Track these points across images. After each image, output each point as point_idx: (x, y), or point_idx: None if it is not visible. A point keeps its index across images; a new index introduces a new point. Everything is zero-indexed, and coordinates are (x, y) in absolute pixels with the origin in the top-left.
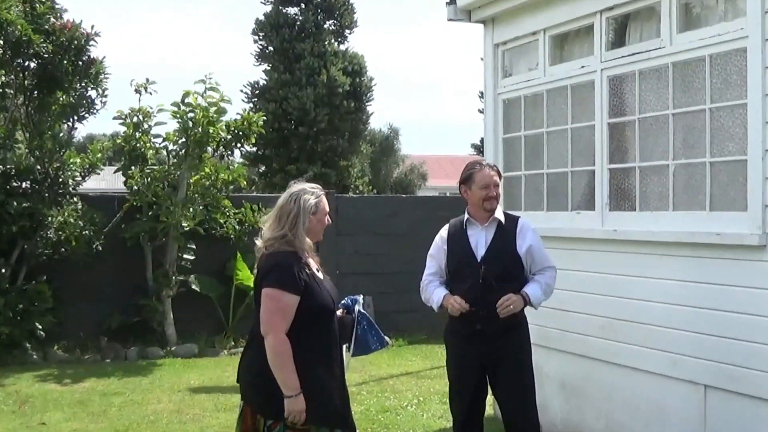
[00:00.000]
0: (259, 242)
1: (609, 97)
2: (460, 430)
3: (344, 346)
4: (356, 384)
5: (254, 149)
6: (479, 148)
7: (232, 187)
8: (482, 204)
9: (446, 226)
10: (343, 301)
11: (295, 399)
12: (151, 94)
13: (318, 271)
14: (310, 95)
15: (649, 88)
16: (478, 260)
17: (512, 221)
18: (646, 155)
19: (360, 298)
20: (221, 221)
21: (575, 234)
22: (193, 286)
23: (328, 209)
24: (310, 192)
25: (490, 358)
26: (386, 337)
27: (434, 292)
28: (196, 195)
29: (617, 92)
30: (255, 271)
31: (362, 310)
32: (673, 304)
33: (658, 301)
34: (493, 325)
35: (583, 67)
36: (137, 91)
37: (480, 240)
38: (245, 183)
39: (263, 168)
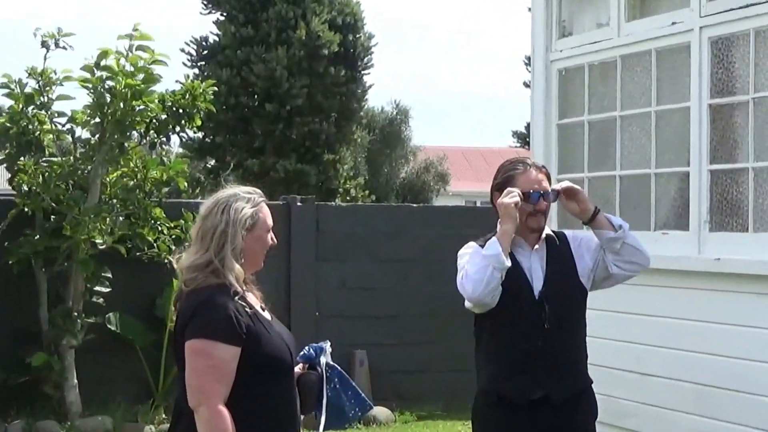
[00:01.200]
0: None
1: (711, 68)
2: None
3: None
4: None
5: (200, 135)
6: (524, 138)
7: (167, 189)
8: (525, 220)
9: (472, 245)
10: (303, 352)
11: None
12: (66, 49)
13: (263, 310)
14: (282, 58)
15: None
16: (536, 295)
17: (561, 239)
18: (764, 151)
19: (326, 345)
20: (150, 238)
21: (660, 264)
22: (111, 327)
23: (271, 223)
24: (243, 198)
25: None
26: (368, 400)
27: (484, 250)
28: (115, 200)
29: (723, 60)
30: (174, 317)
31: (331, 362)
32: None
33: None
34: (563, 389)
35: (674, 23)
36: (44, 44)
37: (534, 267)
38: (186, 184)
39: (213, 162)
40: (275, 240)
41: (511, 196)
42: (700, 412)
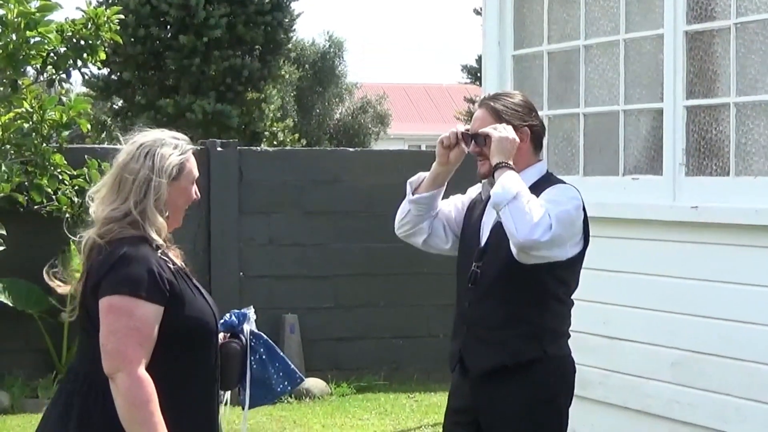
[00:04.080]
0: (88, 233)
1: None
2: None
3: (226, 393)
4: None
5: (105, 71)
6: (475, 74)
7: (67, 133)
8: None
9: (472, 189)
10: (224, 319)
11: None
12: None
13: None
14: None
15: None
16: (475, 251)
17: (540, 190)
18: (748, 84)
19: (250, 312)
20: (49, 189)
21: (630, 213)
22: (1, 298)
23: (197, 174)
24: (170, 143)
25: (478, 415)
26: (298, 372)
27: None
28: (8, 146)
29: None
30: (81, 273)
31: (256, 331)
32: None
33: (766, 323)
34: (482, 359)
35: None
36: None
37: (487, 220)
38: (89, 127)
39: (120, 102)
40: (198, 194)
41: (447, 132)
42: (677, 380)
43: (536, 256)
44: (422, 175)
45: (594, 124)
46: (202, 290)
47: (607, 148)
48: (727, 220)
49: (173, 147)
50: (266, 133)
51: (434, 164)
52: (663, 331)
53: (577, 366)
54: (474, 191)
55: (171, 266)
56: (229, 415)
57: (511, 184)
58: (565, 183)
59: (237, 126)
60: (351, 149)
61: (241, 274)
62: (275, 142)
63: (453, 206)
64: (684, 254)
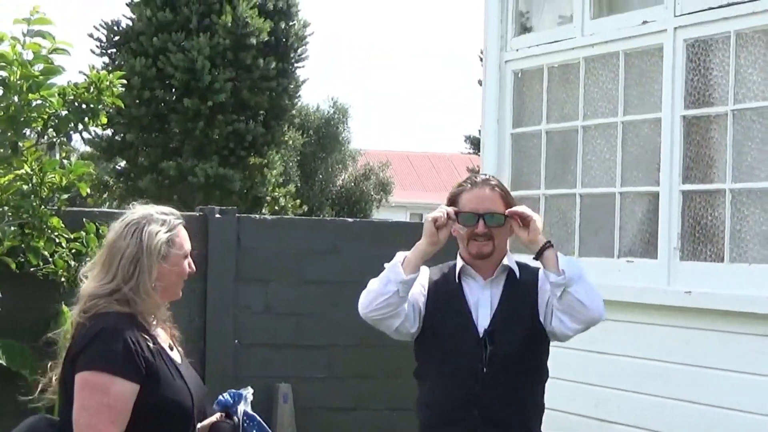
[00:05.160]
0: (75, 309)
1: (686, 74)
2: None
3: None
4: None
5: (109, 132)
6: (477, 144)
7: (67, 196)
8: (467, 245)
9: (425, 271)
10: (219, 398)
11: None
12: None
13: (171, 349)
14: (204, 47)
15: (753, 60)
16: (480, 333)
17: (531, 273)
18: (744, 171)
19: (247, 393)
20: (46, 252)
21: (624, 296)
22: None
23: (189, 248)
24: (158, 220)
25: None
26: None
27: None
28: (6, 207)
29: (700, 66)
30: (65, 348)
31: (250, 412)
32: None
33: (756, 412)
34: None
35: (645, 22)
36: None
37: (482, 301)
38: (88, 190)
39: (124, 163)
40: (194, 267)
41: (437, 211)
42: None
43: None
44: (404, 255)
45: (590, 205)
46: (187, 371)
47: (602, 230)
48: (721, 306)
49: (161, 223)
50: (268, 198)
51: (423, 243)
52: (653, 414)
53: None
54: (433, 273)
55: (150, 344)
56: None
57: (572, 262)
58: (537, 267)
59: (239, 190)
60: (350, 219)
61: (237, 341)
62: (277, 208)
63: (418, 288)
64: (676, 339)
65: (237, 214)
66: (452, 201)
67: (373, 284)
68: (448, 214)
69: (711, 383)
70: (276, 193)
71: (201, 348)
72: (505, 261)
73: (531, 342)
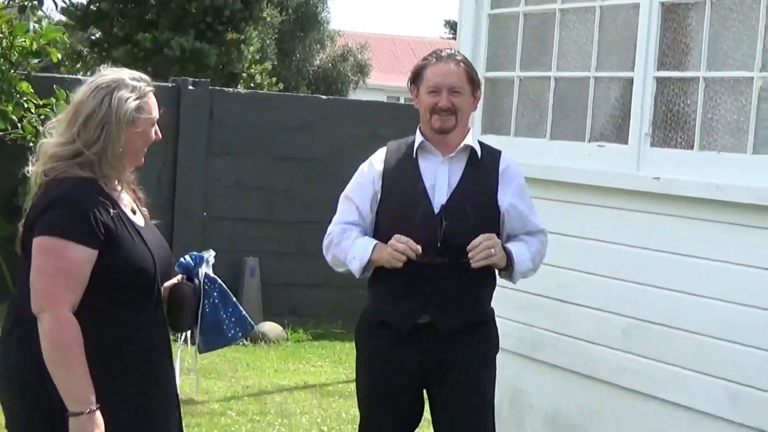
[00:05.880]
0: (36, 167)
1: None
2: None
3: (186, 335)
4: (220, 399)
5: (83, 1)
6: (455, 28)
7: (37, 61)
8: (429, 118)
9: (382, 151)
10: (182, 260)
11: (88, 418)
12: None
13: (134, 213)
14: None
15: None
16: (436, 210)
17: (493, 156)
18: (719, 60)
19: (209, 255)
20: (14, 117)
21: (593, 180)
22: None
23: (156, 115)
24: (128, 86)
25: (437, 370)
26: (249, 319)
27: (355, 244)
28: None
29: None
30: (25, 210)
31: (212, 275)
32: (744, 305)
33: (720, 299)
34: (451, 318)
35: None
36: None
37: (440, 178)
38: (60, 56)
39: (98, 34)
40: (159, 134)
41: (407, 248)
42: (626, 348)
43: None
44: (366, 257)
45: (564, 89)
46: (151, 236)
47: (575, 114)
48: (688, 193)
49: (131, 89)
50: (244, 74)
51: (384, 259)
52: (616, 298)
53: (529, 328)
54: (378, 158)
55: (111, 210)
56: (182, 354)
57: (525, 264)
58: (497, 150)
59: (215, 66)
60: (324, 96)
61: (205, 214)
62: (252, 85)
63: (358, 209)
64: (643, 224)
65: (210, 87)
66: (416, 75)
67: (344, 249)
68: (419, 254)
69: (677, 269)
70: (252, 70)
71: (169, 219)
72: (468, 140)
73: (487, 221)
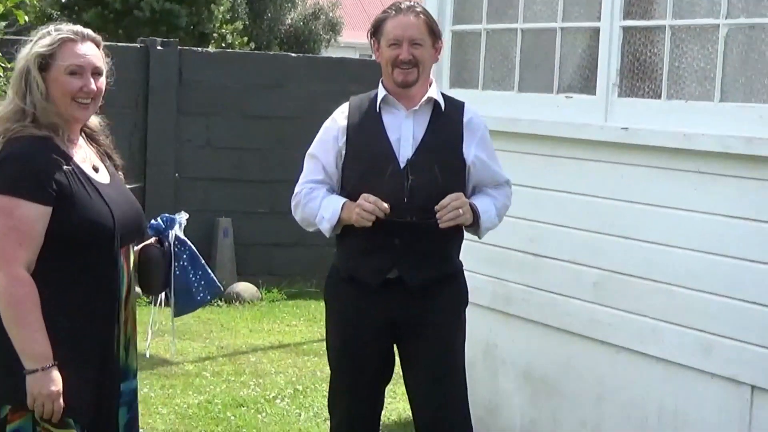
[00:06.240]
0: None
1: None
2: None
3: (161, 297)
4: (194, 360)
5: None
6: None
7: (5, 24)
8: (391, 71)
9: (345, 107)
10: (153, 222)
11: (43, 375)
12: None
13: (96, 170)
14: None
15: None
16: (401, 165)
17: (456, 108)
18: (685, 8)
19: (181, 218)
20: None
21: (561, 132)
22: None
23: (73, 62)
24: (50, 35)
25: (406, 325)
26: (218, 282)
27: (323, 204)
28: None
29: None
30: None
31: (182, 237)
32: (714, 254)
33: (689, 248)
34: (420, 273)
35: None
36: None
37: (405, 133)
38: (26, 18)
39: None
40: (92, 86)
41: (375, 207)
42: (598, 300)
43: None
44: (335, 218)
45: (531, 41)
46: (115, 193)
47: (542, 66)
48: (657, 142)
49: (47, 35)
50: (215, 35)
51: (353, 219)
52: (587, 250)
53: (501, 282)
54: (341, 114)
55: (65, 166)
56: (157, 316)
57: (491, 221)
58: (460, 101)
59: (185, 26)
60: (293, 54)
61: (177, 175)
62: (224, 45)
63: (324, 166)
64: (612, 175)
65: (179, 47)
66: (376, 28)
67: (313, 208)
68: (376, 207)
69: (644, 219)
70: (223, 30)
71: (141, 181)
72: (431, 93)
73: (453, 174)
